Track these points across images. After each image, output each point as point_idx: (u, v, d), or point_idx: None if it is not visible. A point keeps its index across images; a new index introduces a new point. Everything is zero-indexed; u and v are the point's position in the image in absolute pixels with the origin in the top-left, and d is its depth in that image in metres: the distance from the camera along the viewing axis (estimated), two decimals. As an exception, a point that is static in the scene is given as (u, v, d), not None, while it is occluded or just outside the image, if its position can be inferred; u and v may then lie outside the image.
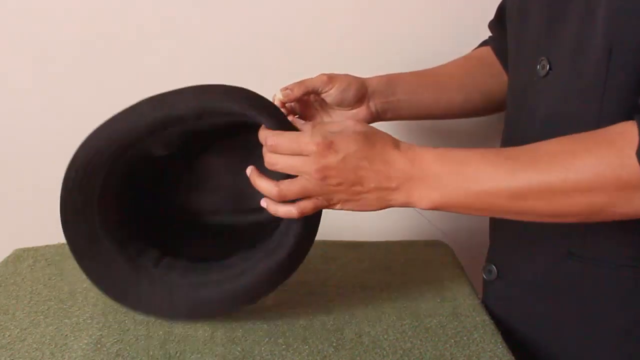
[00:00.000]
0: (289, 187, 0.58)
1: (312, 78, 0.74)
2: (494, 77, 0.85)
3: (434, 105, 0.82)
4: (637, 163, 0.51)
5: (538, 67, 0.67)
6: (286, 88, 0.73)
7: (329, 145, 0.56)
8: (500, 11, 0.86)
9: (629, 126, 0.52)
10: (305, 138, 0.57)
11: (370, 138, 0.58)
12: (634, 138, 0.51)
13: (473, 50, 0.90)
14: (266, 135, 0.60)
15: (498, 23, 0.86)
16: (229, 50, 1.02)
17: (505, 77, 0.83)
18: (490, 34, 0.90)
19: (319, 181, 0.57)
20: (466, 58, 0.88)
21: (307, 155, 0.57)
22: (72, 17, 0.99)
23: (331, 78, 0.74)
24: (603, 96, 0.59)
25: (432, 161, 0.57)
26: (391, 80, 0.79)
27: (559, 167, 0.53)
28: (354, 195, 0.59)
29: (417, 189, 0.57)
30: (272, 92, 1.05)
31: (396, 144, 0.60)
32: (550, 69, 0.65)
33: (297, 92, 0.73)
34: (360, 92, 0.76)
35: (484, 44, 0.90)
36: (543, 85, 0.66)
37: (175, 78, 1.03)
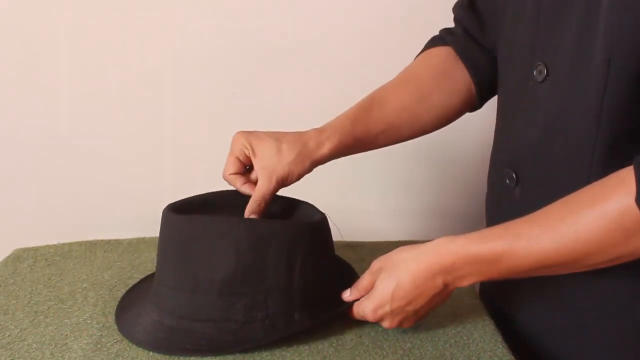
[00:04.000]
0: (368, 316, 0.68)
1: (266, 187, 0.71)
2: (454, 93, 0.81)
3: (383, 144, 0.81)
4: (637, 211, 0.52)
5: (535, 72, 0.66)
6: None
7: (393, 311, 0.66)
8: None
9: (625, 175, 0.53)
10: (375, 312, 0.67)
11: (419, 286, 0.64)
12: (631, 188, 0.52)
13: (428, 50, 0.84)
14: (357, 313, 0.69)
15: (470, 9, 0.81)
16: (228, 50, 1.03)
17: (467, 85, 0.81)
18: (445, 27, 0.85)
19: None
20: (420, 79, 0.81)
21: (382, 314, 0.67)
22: (69, 17, 0.99)
23: (288, 175, 0.72)
24: (602, 106, 0.59)
25: (468, 267, 0.62)
26: (343, 146, 0.76)
27: (570, 233, 0.56)
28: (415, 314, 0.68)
29: (459, 283, 0.64)
30: (272, 92, 1.05)
31: (440, 269, 0.63)
32: (547, 74, 0.65)
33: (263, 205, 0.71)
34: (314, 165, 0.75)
35: (440, 41, 0.83)
36: (540, 92, 0.66)
37: (175, 78, 1.03)
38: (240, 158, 0.72)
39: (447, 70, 0.81)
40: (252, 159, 0.72)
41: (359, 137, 0.77)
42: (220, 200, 0.73)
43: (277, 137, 0.73)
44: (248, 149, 0.72)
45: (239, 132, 0.74)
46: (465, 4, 0.82)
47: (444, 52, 0.82)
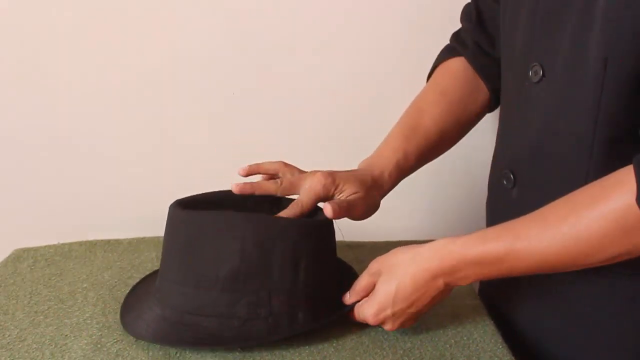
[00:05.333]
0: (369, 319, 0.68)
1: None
2: (477, 104, 0.83)
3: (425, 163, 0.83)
4: (638, 210, 0.52)
5: (530, 72, 0.66)
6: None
7: (394, 314, 0.66)
8: (478, 5, 0.83)
9: (625, 174, 0.53)
10: (376, 316, 0.67)
11: (420, 289, 0.64)
12: (631, 187, 0.52)
13: (445, 62, 0.85)
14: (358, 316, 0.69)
15: (479, 24, 0.83)
16: (228, 51, 1.02)
17: (485, 92, 0.82)
18: (453, 32, 0.86)
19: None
20: (451, 99, 0.82)
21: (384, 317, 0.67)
22: (69, 17, 0.99)
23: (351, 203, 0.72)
24: (599, 106, 0.59)
25: (469, 268, 0.62)
26: (399, 173, 0.78)
27: (571, 233, 0.56)
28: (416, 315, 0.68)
29: (460, 283, 0.64)
30: (272, 92, 1.05)
31: (440, 271, 0.63)
32: (543, 75, 0.65)
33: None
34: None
35: (454, 52, 0.84)
36: (536, 92, 0.66)
37: (175, 78, 1.03)
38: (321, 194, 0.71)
39: (469, 84, 0.83)
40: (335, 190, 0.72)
41: (410, 167, 0.80)
42: (228, 199, 0.72)
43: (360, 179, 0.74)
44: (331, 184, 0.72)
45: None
46: (474, 19, 0.83)
47: (461, 65, 0.83)
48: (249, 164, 0.73)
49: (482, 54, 0.82)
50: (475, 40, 0.82)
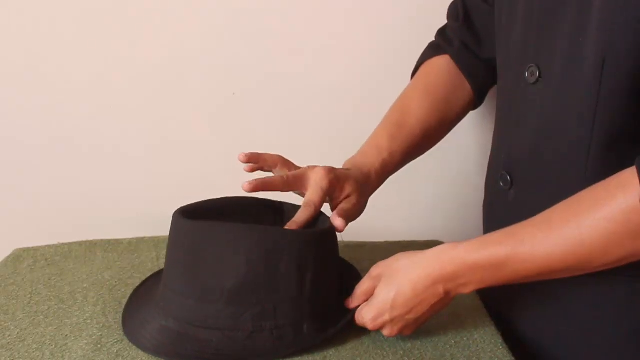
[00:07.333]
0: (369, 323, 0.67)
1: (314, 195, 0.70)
2: (462, 101, 0.83)
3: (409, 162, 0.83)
4: None
5: (526, 73, 0.66)
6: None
7: (392, 320, 0.65)
8: (466, 4, 0.83)
9: (628, 176, 0.53)
10: (374, 320, 0.66)
11: (419, 295, 0.63)
12: (635, 188, 0.52)
13: (430, 60, 0.85)
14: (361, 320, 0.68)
15: (466, 24, 0.82)
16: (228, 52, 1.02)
17: (469, 90, 0.82)
18: (439, 34, 0.87)
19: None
20: (436, 97, 0.82)
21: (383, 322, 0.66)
22: (70, 17, 0.99)
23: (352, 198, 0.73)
24: (596, 106, 0.59)
25: (471, 274, 0.61)
26: (385, 173, 0.78)
27: (574, 236, 0.55)
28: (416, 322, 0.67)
29: (462, 290, 0.64)
30: (272, 92, 1.05)
31: (441, 278, 0.62)
32: (540, 76, 0.65)
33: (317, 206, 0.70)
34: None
35: (439, 50, 0.84)
36: (533, 93, 0.66)
37: (175, 78, 1.03)
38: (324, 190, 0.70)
39: (453, 82, 0.83)
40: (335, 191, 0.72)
41: (396, 166, 0.80)
42: (231, 207, 0.72)
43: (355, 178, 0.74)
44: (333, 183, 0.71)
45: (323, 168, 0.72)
46: (460, 18, 0.83)
47: (445, 63, 0.83)
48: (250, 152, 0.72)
49: (467, 53, 0.82)
50: (462, 40, 0.82)
